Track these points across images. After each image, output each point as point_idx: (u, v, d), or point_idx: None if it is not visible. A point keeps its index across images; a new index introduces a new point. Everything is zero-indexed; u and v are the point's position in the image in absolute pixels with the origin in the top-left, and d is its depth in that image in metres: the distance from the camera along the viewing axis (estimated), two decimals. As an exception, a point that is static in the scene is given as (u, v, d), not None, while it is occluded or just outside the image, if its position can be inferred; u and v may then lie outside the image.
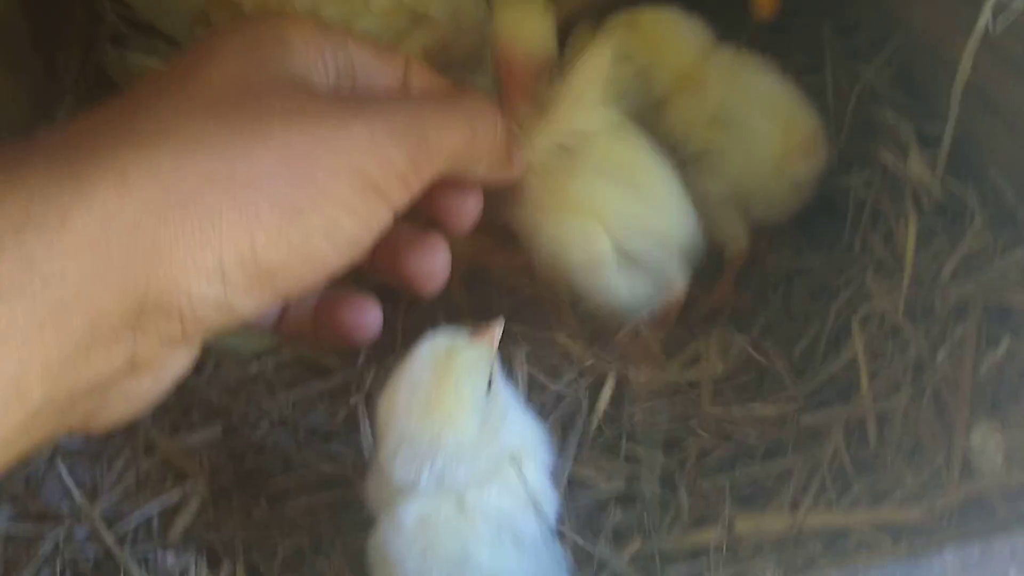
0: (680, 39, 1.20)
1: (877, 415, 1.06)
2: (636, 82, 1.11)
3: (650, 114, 1.16)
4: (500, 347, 0.94)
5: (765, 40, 1.40)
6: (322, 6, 1.11)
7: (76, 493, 1.11)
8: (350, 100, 0.83)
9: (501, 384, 0.93)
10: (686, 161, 1.15)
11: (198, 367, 1.26)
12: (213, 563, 1.07)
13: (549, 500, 0.94)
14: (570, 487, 1.07)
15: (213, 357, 1.28)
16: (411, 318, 1.35)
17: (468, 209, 0.96)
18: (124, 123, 0.71)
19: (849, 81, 1.29)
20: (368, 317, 0.96)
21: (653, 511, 1.06)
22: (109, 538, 1.07)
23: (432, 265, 0.95)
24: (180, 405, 1.23)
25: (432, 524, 0.88)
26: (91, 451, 1.18)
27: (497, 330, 0.93)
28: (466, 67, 1.17)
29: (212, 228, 0.70)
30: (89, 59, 1.64)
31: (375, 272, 0.97)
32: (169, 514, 1.12)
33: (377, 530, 0.91)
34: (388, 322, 1.35)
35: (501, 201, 1.44)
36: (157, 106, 0.74)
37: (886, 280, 1.14)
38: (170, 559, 1.06)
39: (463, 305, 1.37)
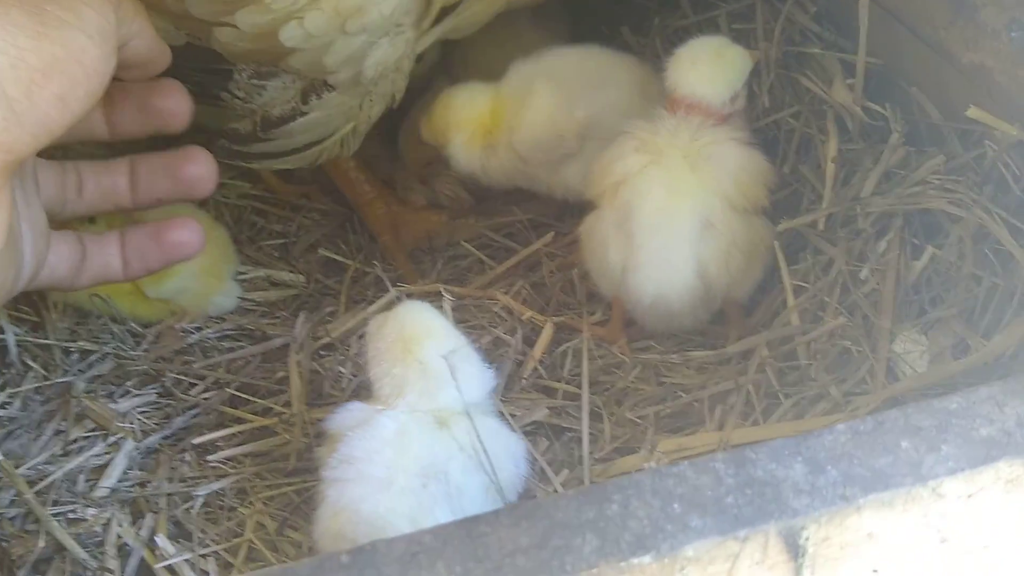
0: None
1: (806, 335, 1.03)
2: None
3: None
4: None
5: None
6: None
7: (12, 453, 1.10)
8: None
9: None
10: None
11: (137, 339, 1.28)
12: (135, 517, 1.06)
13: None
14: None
15: (153, 329, 1.29)
16: (355, 287, 1.37)
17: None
18: None
19: (777, 21, 1.29)
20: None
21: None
22: (28, 493, 1.05)
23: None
24: (117, 375, 1.23)
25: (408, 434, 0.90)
26: (22, 420, 1.17)
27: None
28: (381, 33, 1.18)
29: None
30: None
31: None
32: (94, 472, 1.10)
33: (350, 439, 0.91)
34: (331, 290, 1.38)
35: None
36: None
37: (815, 205, 1.12)
38: (91, 512, 1.05)
39: (409, 275, 1.38)
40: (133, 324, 1.29)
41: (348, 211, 1.50)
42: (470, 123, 1.31)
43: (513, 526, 0.70)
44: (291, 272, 1.41)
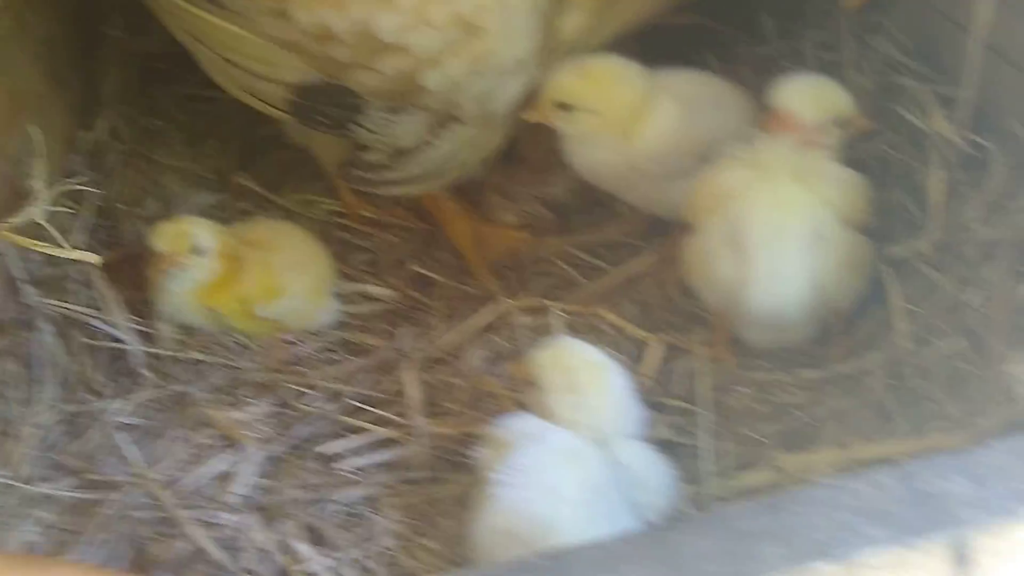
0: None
1: (917, 356, 1.08)
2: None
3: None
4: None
5: (781, 21, 1.47)
6: (375, 18, 1.17)
7: (135, 458, 1.13)
8: None
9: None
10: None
11: (244, 350, 1.32)
12: (268, 522, 1.09)
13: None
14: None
15: (260, 341, 1.33)
16: (448, 302, 1.41)
17: None
18: None
19: (865, 53, 1.34)
20: None
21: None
22: (168, 499, 1.09)
23: None
24: (231, 385, 1.26)
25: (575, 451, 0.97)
26: (145, 427, 1.21)
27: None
28: (510, 74, 1.23)
29: None
30: (125, 73, 1.71)
31: None
32: (222, 479, 1.14)
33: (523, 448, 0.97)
34: (422, 305, 1.42)
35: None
36: None
37: (917, 232, 1.17)
38: (226, 517, 1.08)
39: (496, 291, 1.42)
40: (239, 336, 1.34)
41: (429, 227, 1.54)
42: (618, 105, 1.27)
43: (699, 534, 0.74)
44: (382, 287, 1.46)
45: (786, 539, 0.73)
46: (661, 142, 1.27)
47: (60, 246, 1.13)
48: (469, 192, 1.58)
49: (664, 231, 1.40)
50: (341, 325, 1.39)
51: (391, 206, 1.56)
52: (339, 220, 1.57)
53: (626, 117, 1.26)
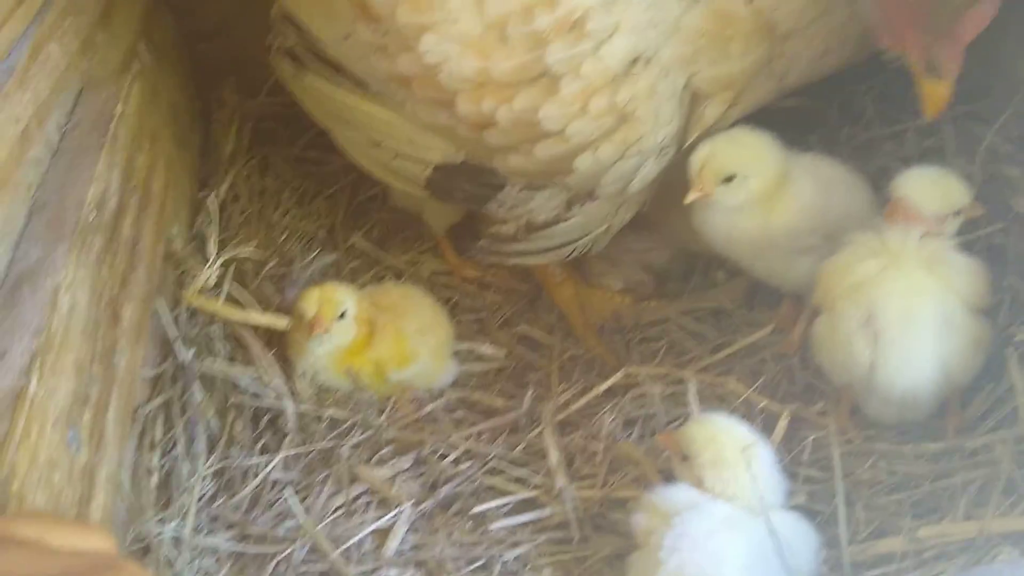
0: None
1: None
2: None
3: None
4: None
5: (882, 106, 1.55)
6: (540, 108, 1.23)
7: (300, 513, 1.20)
8: None
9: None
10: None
11: (378, 409, 1.39)
12: (430, 578, 1.16)
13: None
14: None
15: (391, 401, 1.40)
16: (558, 363, 1.48)
17: None
18: None
19: (968, 141, 1.42)
20: None
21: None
22: (335, 554, 1.15)
23: None
24: (370, 443, 1.33)
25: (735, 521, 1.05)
26: (297, 482, 1.27)
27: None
28: (653, 155, 1.31)
29: None
30: (240, 135, 1.79)
31: None
32: (380, 535, 1.21)
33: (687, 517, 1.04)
34: (533, 365, 1.49)
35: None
36: None
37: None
38: (391, 573, 1.15)
39: (604, 354, 1.49)
40: (371, 395, 1.40)
41: (532, 288, 1.62)
42: (771, 174, 1.34)
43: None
44: (493, 346, 1.53)
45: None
46: (800, 217, 1.34)
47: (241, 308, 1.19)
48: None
49: (765, 301, 1.48)
50: (456, 384, 1.46)
51: (495, 267, 1.63)
52: (444, 279, 1.65)
53: (773, 188, 1.34)
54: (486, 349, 1.53)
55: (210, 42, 1.82)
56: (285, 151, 1.81)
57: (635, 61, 1.21)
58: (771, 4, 1.24)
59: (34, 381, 0.96)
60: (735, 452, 1.09)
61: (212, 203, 1.52)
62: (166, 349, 1.35)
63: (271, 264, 1.59)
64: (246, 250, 1.51)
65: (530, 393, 1.40)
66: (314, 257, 1.62)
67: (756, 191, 1.33)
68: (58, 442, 0.98)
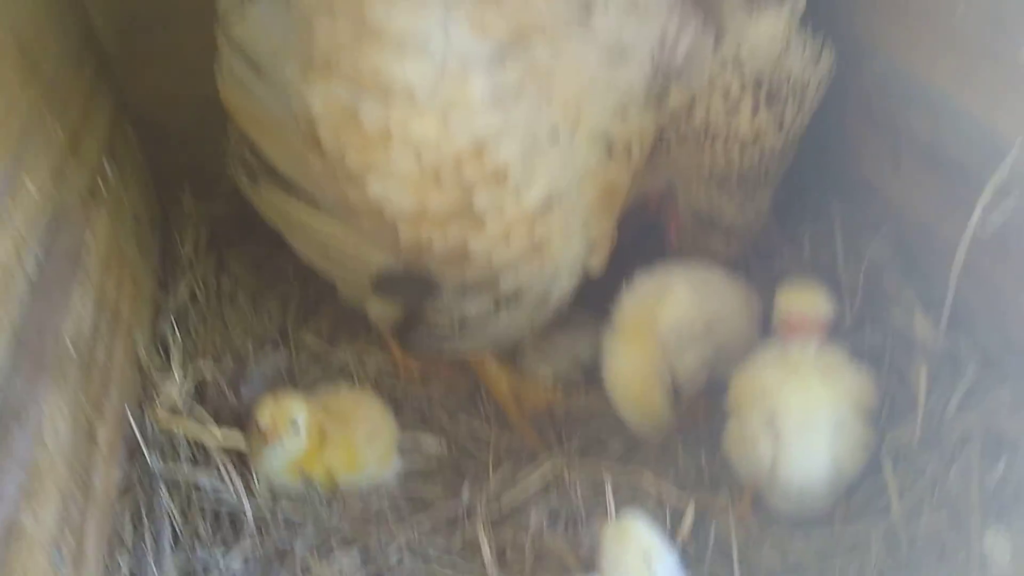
0: None
1: (908, 528, 1.33)
2: None
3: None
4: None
5: (782, 223, 1.73)
6: (469, 239, 1.40)
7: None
8: None
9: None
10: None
11: (327, 506, 1.52)
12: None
13: None
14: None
15: (339, 495, 1.53)
16: (496, 454, 1.63)
17: None
18: None
19: (856, 255, 1.60)
20: None
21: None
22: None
23: None
24: (321, 538, 1.47)
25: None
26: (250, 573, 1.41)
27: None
28: (566, 272, 1.50)
29: None
30: (196, 237, 1.91)
31: None
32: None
33: None
34: (473, 455, 1.63)
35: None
36: None
37: (904, 417, 1.42)
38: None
39: (537, 444, 1.64)
40: (320, 493, 1.54)
41: (472, 381, 1.76)
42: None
43: None
44: (434, 437, 1.67)
45: None
46: (677, 314, 1.55)
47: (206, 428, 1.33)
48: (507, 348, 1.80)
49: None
50: (401, 473, 1.61)
51: (437, 362, 1.78)
52: (389, 372, 1.79)
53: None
54: (427, 441, 1.67)
55: (169, 149, 1.95)
56: (240, 250, 1.94)
57: (549, 201, 1.38)
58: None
59: (26, 514, 1.06)
60: (636, 556, 1.24)
61: (173, 317, 1.64)
62: (132, 445, 1.47)
63: (225, 364, 1.71)
64: (207, 365, 1.63)
65: (466, 485, 1.55)
66: (267, 355, 1.76)
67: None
68: (45, 565, 1.10)
